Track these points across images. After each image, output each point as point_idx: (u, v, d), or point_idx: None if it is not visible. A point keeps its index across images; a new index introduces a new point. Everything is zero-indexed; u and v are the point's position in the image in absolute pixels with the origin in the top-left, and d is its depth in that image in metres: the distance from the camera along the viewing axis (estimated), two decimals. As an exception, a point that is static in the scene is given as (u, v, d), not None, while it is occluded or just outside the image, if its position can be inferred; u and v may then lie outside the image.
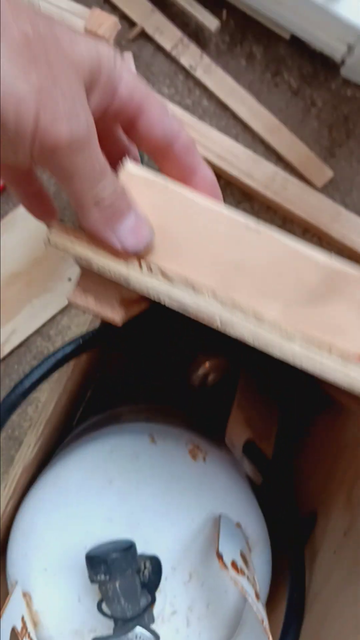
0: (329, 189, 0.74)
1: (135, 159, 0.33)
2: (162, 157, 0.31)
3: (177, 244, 0.28)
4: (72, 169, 0.25)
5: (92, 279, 0.29)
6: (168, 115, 0.30)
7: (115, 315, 0.29)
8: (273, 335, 0.26)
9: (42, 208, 0.37)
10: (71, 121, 0.24)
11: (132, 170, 0.29)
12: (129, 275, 0.27)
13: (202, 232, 0.28)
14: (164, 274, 0.27)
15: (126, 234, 0.27)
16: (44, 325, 0.77)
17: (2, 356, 0.77)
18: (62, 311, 0.78)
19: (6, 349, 0.77)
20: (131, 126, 0.30)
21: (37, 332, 0.77)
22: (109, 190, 0.26)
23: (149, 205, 0.28)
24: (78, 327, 0.78)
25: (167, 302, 0.27)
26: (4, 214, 0.76)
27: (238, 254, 0.28)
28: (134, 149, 0.34)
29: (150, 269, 0.27)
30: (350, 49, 0.70)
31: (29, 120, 0.23)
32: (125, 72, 0.28)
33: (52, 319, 0.78)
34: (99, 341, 0.46)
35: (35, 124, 0.23)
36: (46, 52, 0.24)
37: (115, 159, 0.33)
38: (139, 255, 0.28)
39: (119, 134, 0.33)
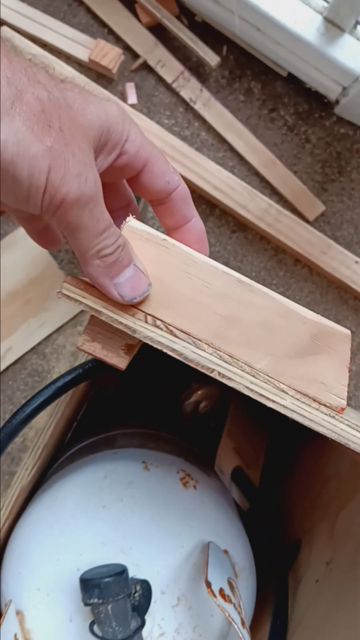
0: (320, 223, 0.77)
1: (134, 211, 0.36)
2: (160, 204, 0.34)
3: (174, 296, 0.30)
4: (77, 223, 0.27)
5: (99, 327, 0.31)
6: (169, 169, 0.33)
7: (121, 362, 0.31)
8: (266, 388, 0.29)
9: (48, 239, 0.39)
10: (79, 180, 0.26)
11: (134, 226, 0.31)
12: (135, 327, 0.29)
13: (198, 286, 0.30)
14: (168, 329, 0.29)
15: (124, 284, 0.29)
16: (39, 344, 0.79)
17: (-2, 373, 0.78)
18: (58, 330, 0.79)
19: (2, 366, 0.78)
20: (135, 178, 0.33)
21: (33, 350, 0.79)
22: (111, 243, 0.29)
23: (148, 258, 0.30)
24: (73, 346, 0.80)
25: (169, 353, 0.29)
26: (4, 234, 0.78)
27: (232, 308, 0.30)
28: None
29: (155, 323, 0.29)
30: (344, 90, 0.73)
31: (41, 178, 0.25)
32: (132, 130, 0.31)
33: (48, 337, 0.79)
34: (98, 371, 0.47)
35: (46, 181, 0.26)
36: (59, 117, 0.26)
37: (118, 208, 0.36)
38: (135, 304, 0.30)
39: (123, 184, 0.35)
